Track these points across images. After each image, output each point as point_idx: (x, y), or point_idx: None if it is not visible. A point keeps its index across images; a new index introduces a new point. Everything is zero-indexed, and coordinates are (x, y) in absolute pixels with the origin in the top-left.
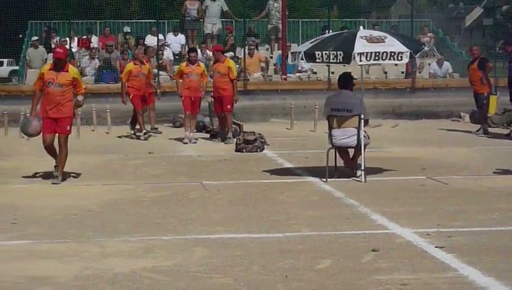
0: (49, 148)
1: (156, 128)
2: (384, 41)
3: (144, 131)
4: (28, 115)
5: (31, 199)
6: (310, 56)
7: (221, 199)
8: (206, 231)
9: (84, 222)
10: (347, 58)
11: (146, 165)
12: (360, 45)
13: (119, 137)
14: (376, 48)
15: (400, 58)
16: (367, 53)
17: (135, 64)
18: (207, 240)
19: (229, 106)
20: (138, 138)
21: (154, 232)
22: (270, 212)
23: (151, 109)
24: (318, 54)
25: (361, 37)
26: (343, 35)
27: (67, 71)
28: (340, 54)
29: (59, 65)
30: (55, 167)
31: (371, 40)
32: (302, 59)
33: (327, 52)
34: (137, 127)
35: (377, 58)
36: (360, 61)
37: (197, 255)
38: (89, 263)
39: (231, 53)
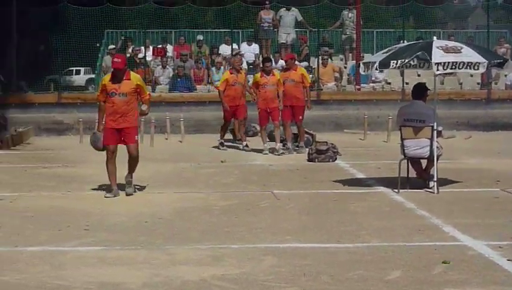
0: (112, 160)
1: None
2: (460, 52)
3: (222, 141)
4: (95, 131)
5: (104, 205)
6: (383, 65)
7: (292, 208)
8: (276, 240)
9: (155, 230)
10: (426, 65)
11: (218, 173)
12: (438, 55)
13: (214, 147)
14: (453, 58)
15: (476, 68)
16: (445, 63)
17: (231, 73)
18: (276, 249)
19: (300, 117)
20: (220, 146)
21: (223, 240)
22: (341, 222)
23: (241, 124)
24: (393, 62)
25: (438, 47)
26: (419, 45)
27: (130, 79)
28: (419, 60)
29: (118, 75)
30: (111, 190)
31: (447, 50)
32: (376, 69)
33: (403, 60)
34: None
35: (453, 67)
36: (437, 70)
37: (266, 264)
38: (158, 270)
39: (305, 63)
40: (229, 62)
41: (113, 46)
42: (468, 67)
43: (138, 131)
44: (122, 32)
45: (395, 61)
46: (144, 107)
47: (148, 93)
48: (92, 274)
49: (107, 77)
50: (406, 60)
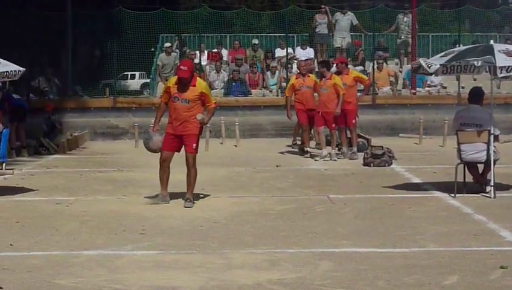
0: (164, 167)
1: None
2: None
3: (306, 149)
4: (149, 130)
5: (160, 209)
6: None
7: (348, 212)
8: (332, 244)
9: (211, 234)
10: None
11: (273, 178)
12: (501, 59)
13: (281, 153)
14: None
15: None
16: (508, 66)
17: (297, 77)
18: (332, 253)
19: (354, 121)
20: (303, 154)
21: (279, 245)
22: (397, 227)
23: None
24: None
25: (499, 51)
26: (479, 49)
27: (195, 86)
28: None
29: (184, 83)
30: (156, 196)
31: (509, 54)
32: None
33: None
34: (299, 142)
35: None
36: (501, 73)
37: (322, 269)
38: (214, 275)
39: (360, 67)
40: (284, 66)
41: (169, 44)
42: None
43: (198, 140)
44: (176, 37)
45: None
46: (200, 117)
47: (214, 102)
48: (148, 278)
49: (173, 80)
50: (471, 61)
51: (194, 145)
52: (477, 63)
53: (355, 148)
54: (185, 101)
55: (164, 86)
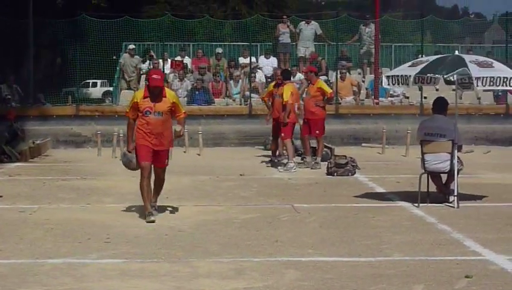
0: (148, 178)
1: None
2: (493, 66)
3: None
4: (125, 151)
5: (124, 218)
6: (420, 78)
7: (313, 222)
8: (298, 253)
9: (176, 242)
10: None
11: (237, 187)
12: (475, 70)
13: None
14: (489, 72)
15: (511, 84)
16: (483, 78)
17: (274, 86)
18: (298, 262)
19: (317, 131)
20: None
21: (245, 253)
22: (362, 236)
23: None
24: (430, 77)
25: (471, 62)
26: (449, 59)
27: (165, 96)
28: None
29: (155, 93)
30: (149, 212)
31: (480, 64)
32: (416, 83)
33: (441, 75)
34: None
35: (491, 83)
36: (477, 86)
37: (289, 278)
38: (180, 283)
39: (324, 77)
40: (247, 75)
41: (133, 46)
42: (505, 83)
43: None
44: (139, 45)
45: (431, 76)
46: (178, 128)
47: (183, 111)
48: (114, 287)
49: (139, 94)
50: (446, 76)
51: (166, 160)
52: (453, 78)
53: (319, 159)
54: (158, 114)
55: (130, 101)
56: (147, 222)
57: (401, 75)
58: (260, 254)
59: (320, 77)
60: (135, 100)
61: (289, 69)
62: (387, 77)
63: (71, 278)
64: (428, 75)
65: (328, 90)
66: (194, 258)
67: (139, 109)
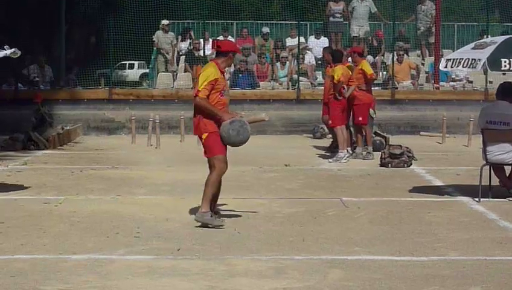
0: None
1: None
2: None
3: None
4: (235, 119)
5: (156, 211)
6: (493, 63)
7: (362, 217)
8: (344, 251)
9: (212, 238)
10: None
11: (281, 178)
12: None
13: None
14: None
15: None
16: None
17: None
18: (344, 261)
19: (360, 118)
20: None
21: (286, 251)
22: (415, 233)
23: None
24: (505, 62)
25: None
26: None
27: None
28: None
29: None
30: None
31: None
32: (486, 69)
33: None
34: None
35: None
36: None
37: (332, 278)
38: (214, 282)
39: (370, 57)
40: (295, 57)
41: (167, 22)
42: None
43: None
44: (179, 24)
45: (507, 60)
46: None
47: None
48: (142, 285)
49: (215, 69)
50: None
51: None
52: None
53: (370, 148)
54: (226, 94)
55: (205, 79)
56: (216, 227)
57: (468, 59)
58: (302, 251)
59: (376, 58)
60: (215, 76)
61: (340, 49)
62: (448, 60)
63: (96, 276)
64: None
65: (369, 71)
66: (231, 256)
67: (218, 88)
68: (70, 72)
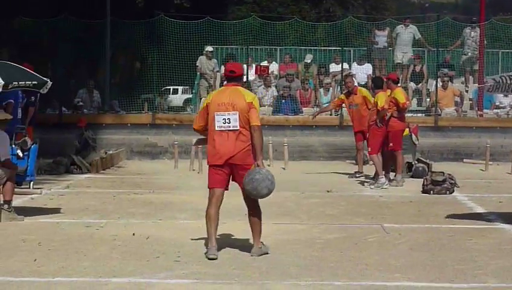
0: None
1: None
2: None
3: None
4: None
5: (197, 235)
6: None
7: (403, 243)
8: (384, 277)
9: (251, 263)
10: None
11: (323, 204)
12: None
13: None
14: None
15: None
16: None
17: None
18: (384, 287)
19: (391, 144)
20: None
21: (326, 276)
22: (455, 260)
23: (358, 149)
24: None
25: None
26: None
27: None
28: None
29: None
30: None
31: None
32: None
33: None
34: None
35: None
36: None
37: None
38: None
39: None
40: (339, 83)
41: (211, 49)
42: None
43: None
44: (223, 49)
45: None
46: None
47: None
48: None
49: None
50: None
51: None
52: None
53: (399, 176)
54: None
55: (258, 106)
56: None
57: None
58: (343, 277)
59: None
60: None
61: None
62: (493, 85)
63: None
64: None
65: (401, 100)
66: (270, 281)
67: None
68: (114, 97)
